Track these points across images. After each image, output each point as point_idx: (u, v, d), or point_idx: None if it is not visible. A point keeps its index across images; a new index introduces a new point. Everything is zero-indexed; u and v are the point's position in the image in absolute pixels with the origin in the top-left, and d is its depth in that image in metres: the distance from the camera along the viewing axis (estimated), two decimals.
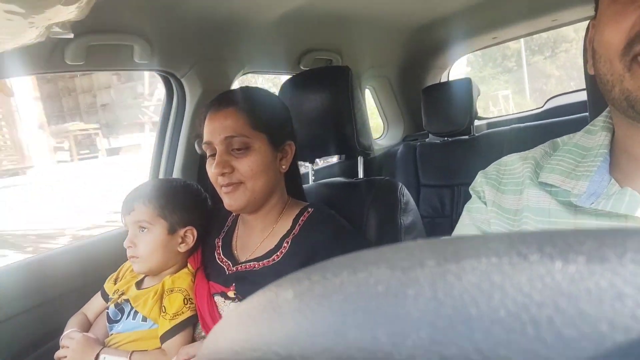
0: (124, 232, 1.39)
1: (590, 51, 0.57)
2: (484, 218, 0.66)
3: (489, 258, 0.14)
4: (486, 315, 0.13)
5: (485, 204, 0.66)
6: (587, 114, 0.79)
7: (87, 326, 1.10)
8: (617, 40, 0.49)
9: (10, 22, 0.69)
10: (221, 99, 0.99)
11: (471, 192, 0.70)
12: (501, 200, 0.65)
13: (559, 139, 0.66)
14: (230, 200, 0.97)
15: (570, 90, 2.96)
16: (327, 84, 1.27)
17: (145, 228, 1.03)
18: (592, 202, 0.54)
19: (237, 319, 0.19)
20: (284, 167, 1.01)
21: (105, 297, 1.11)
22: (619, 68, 0.50)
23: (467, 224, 0.68)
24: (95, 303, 1.13)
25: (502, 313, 0.13)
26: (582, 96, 2.36)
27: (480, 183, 0.69)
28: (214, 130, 0.95)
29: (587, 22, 0.63)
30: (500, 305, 0.13)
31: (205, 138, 0.97)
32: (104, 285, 1.13)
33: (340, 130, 1.23)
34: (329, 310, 0.16)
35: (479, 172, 0.71)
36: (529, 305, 0.13)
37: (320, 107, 1.24)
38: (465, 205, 0.70)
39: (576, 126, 0.67)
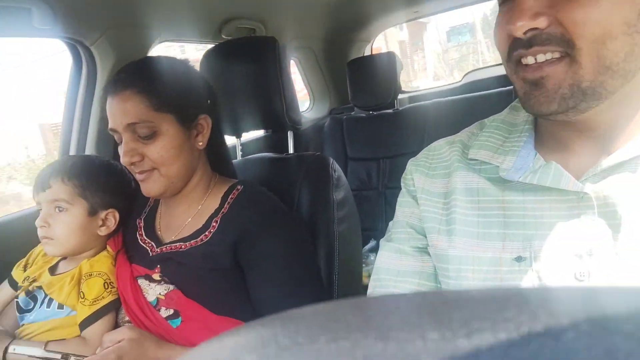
0: (32, 214, 1.27)
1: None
2: (412, 212, 0.67)
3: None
4: None
5: (414, 197, 0.68)
6: (509, 87, 0.82)
7: None
8: (502, 47, 0.54)
9: None
10: (118, 79, 0.91)
11: (402, 184, 0.71)
12: (430, 185, 0.66)
13: (486, 120, 0.68)
14: (146, 188, 0.92)
15: (487, 65, 3.11)
16: (253, 55, 1.22)
17: (62, 208, 0.96)
18: (520, 176, 0.56)
19: None
20: (200, 143, 0.96)
21: (14, 285, 1.03)
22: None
23: (399, 220, 0.70)
24: (2, 292, 1.04)
25: None
26: (498, 71, 2.50)
27: (409, 171, 0.70)
28: (115, 115, 0.89)
29: None
30: None
31: (109, 124, 0.90)
32: (12, 273, 1.04)
33: (269, 104, 1.20)
34: None
35: (409, 161, 0.72)
36: None
37: (246, 79, 1.20)
38: (397, 199, 0.71)
39: (497, 100, 0.68)
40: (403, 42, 14.26)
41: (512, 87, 0.82)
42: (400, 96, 2.25)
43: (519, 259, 0.54)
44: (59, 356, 0.82)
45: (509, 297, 0.13)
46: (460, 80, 2.78)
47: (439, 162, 0.67)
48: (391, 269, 0.67)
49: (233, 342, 0.14)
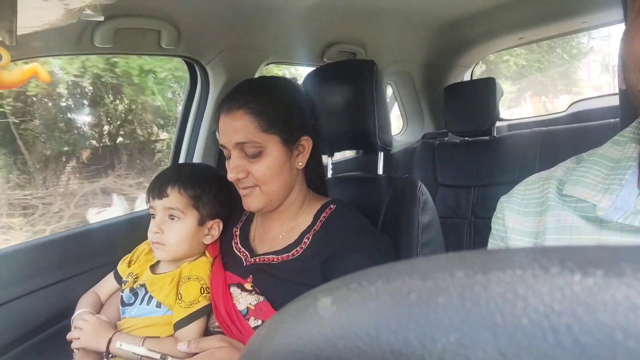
0: (136, 217, 1.42)
1: (621, 64, 0.55)
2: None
3: (514, 270, 0.15)
4: (510, 322, 0.14)
5: (502, 240, 0.65)
6: (615, 119, 0.77)
7: (98, 306, 1.09)
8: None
9: (46, 2, 0.71)
10: (232, 98, 0.96)
11: (492, 225, 0.69)
12: (521, 224, 0.63)
13: (583, 154, 0.63)
14: (247, 203, 0.97)
15: (595, 95, 2.91)
16: (352, 78, 1.26)
17: (175, 217, 1.02)
18: (620, 217, 0.52)
19: (279, 323, 0.20)
20: (300, 163, 0.99)
21: (118, 278, 1.10)
22: None
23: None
24: (108, 283, 1.12)
25: (525, 321, 0.14)
26: (607, 102, 2.33)
27: (500, 209, 0.67)
28: (226, 133, 0.94)
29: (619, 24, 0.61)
30: (523, 314, 0.14)
31: (220, 140, 0.96)
32: (117, 267, 1.12)
33: (362, 124, 1.23)
34: (364, 316, 0.17)
35: (500, 199, 0.69)
36: (549, 314, 0.14)
37: (343, 100, 1.24)
38: (488, 240, 0.69)
39: (602, 132, 0.64)
40: None
41: (618, 119, 0.77)
42: (498, 124, 2.18)
43: None
44: (158, 356, 0.86)
45: (518, 251, 0.16)
46: (566, 110, 2.62)
47: (532, 198, 0.64)
48: None
49: (314, 293, 0.20)
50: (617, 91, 0.76)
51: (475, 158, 2.04)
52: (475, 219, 1.98)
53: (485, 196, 1.97)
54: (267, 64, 1.68)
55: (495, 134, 2.08)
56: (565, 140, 1.79)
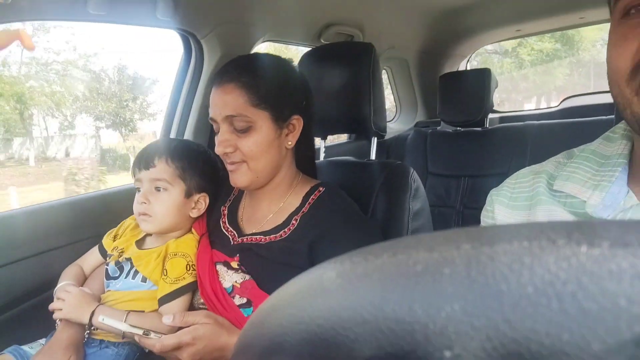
0: (123, 191, 1.40)
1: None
2: None
3: (521, 242, 0.15)
4: (515, 291, 0.14)
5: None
6: (610, 117, 0.77)
7: (82, 279, 1.08)
8: (623, 66, 0.49)
9: None
10: (225, 71, 0.96)
11: (481, 218, 0.69)
12: (511, 217, 0.64)
13: (575, 149, 0.63)
14: (234, 178, 0.97)
15: (589, 91, 2.93)
16: (349, 60, 1.25)
17: (161, 188, 1.02)
18: (609, 215, 0.52)
19: (283, 296, 0.21)
20: (289, 143, 0.98)
21: (103, 252, 1.10)
22: (627, 92, 0.49)
23: None
24: (92, 257, 1.12)
25: (530, 289, 0.14)
26: (601, 99, 2.35)
27: (489, 202, 0.68)
28: (216, 106, 0.94)
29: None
30: (528, 282, 0.14)
31: (210, 113, 0.96)
32: (102, 241, 1.12)
33: (357, 108, 1.22)
34: (369, 287, 0.17)
35: (490, 191, 0.69)
36: (554, 282, 0.14)
37: (339, 82, 1.23)
38: None
39: (595, 128, 0.65)
40: None
41: (613, 116, 0.77)
42: (491, 115, 2.18)
43: None
44: (140, 332, 0.85)
45: (526, 225, 0.17)
46: (558, 105, 2.64)
47: (522, 192, 0.64)
48: None
49: (319, 268, 0.20)
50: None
51: (466, 148, 2.05)
52: (464, 209, 2.00)
53: (474, 187, 1.99)
54: (264, 42, 1.66)
55: (487, 126, 2.09)
56: (558, 135, 1.81)
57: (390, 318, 0.16)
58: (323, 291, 0.18)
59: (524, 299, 0.14)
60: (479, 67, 2.37)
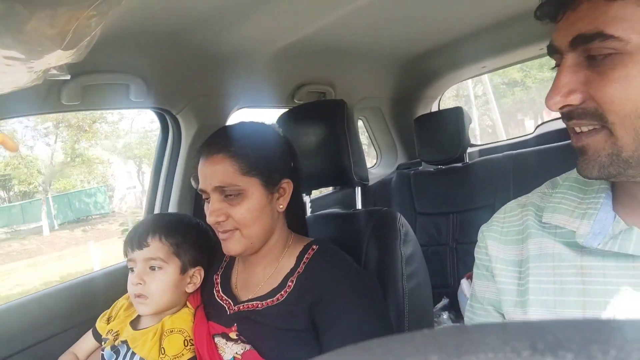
0: (113, 271, 1.37)
1: None
2: (488, 285, 0.67)
3: (486, 354, 0.16)
4: None
5: (487, 269, 0.66)
6: None
7: None
8: (557, 113, 0.54)
9: (9, 67, 0.70)
10: (211, 142, 0.96)
11: (475, 255, 0.70)
12: (505, 253, 0.64)
13: (558, 177, 0.65)
14: (227, 247, 0.95)
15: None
16: (323, 118, 1.28)
17: (156, 267, 1.00)
18: (599, 243, 0.53)
19: None
20: (281, 206, 0.98)
21: (98, 336, 1.07)
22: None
23: (477, 295, 0.69)
24: (86, 342, 1.09)
25: None
26: None
27: (482, 238, 0.69)
28: (206, 177, 0.93)
29: None
30: None
31: (200, 185, 0.95)
32: (96, 325, 1.08)
33: (337, 162, 1.24)
34: None
35: (481, 228, 0.70)
36: None
37: (317, 140, 1.25)
38: (473, 270, 0.71)
39: (572, 151, 0.66)
40: None
41: None
42: (469, 150, 2.22)
43: None
44: None
45: (491, 331, 0.17)
46: (533, 132, 2.70)
47: (511, 226, 0.65)
48: None
49: None
50: None
51: (450, 185, 2.07)
52: (457, 244, 1.99)
53: (464, 221, 2.00)
54: (238, 109, 1.70)
55: (467, 161, 2.13)
56: (535, 162, 1.84)
57: None
58: None
59: None
60: (498, 94, 2.43)
